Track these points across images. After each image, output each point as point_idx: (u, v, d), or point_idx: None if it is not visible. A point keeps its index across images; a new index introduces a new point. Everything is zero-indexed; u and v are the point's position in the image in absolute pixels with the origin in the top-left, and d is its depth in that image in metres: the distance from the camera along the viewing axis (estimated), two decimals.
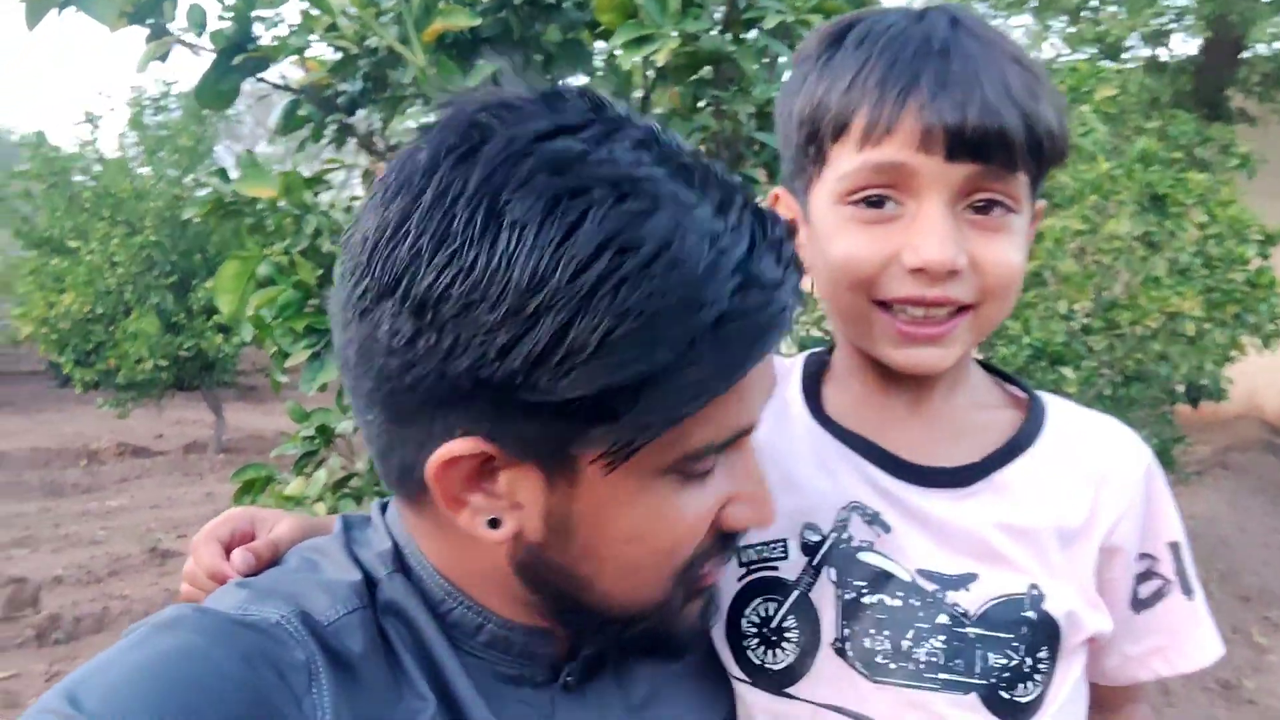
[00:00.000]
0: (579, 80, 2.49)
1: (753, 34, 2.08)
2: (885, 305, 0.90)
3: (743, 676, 0.97)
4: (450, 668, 0.83)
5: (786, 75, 0.98)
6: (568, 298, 0.68)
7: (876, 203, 0.89)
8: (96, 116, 10.79)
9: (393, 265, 0.72)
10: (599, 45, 2.28)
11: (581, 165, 0.71)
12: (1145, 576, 1.00)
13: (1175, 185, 5.21)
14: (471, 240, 0.69)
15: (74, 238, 10.18)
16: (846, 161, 0.89)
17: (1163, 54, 11.04)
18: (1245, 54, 10.45)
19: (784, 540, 0.96)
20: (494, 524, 0.78)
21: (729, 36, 2.05)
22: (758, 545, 0.97)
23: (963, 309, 0.90)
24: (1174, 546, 1.01)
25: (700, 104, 2.16)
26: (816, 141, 0.92)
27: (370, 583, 0.84)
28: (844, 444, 0.98)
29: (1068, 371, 4.28)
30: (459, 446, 0.74)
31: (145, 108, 11.16)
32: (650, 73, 2.24)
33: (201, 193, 2.76)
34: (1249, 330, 5.41)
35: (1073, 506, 0.95)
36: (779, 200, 1.01)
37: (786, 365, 1.06)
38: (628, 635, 0.86)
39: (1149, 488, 0.99)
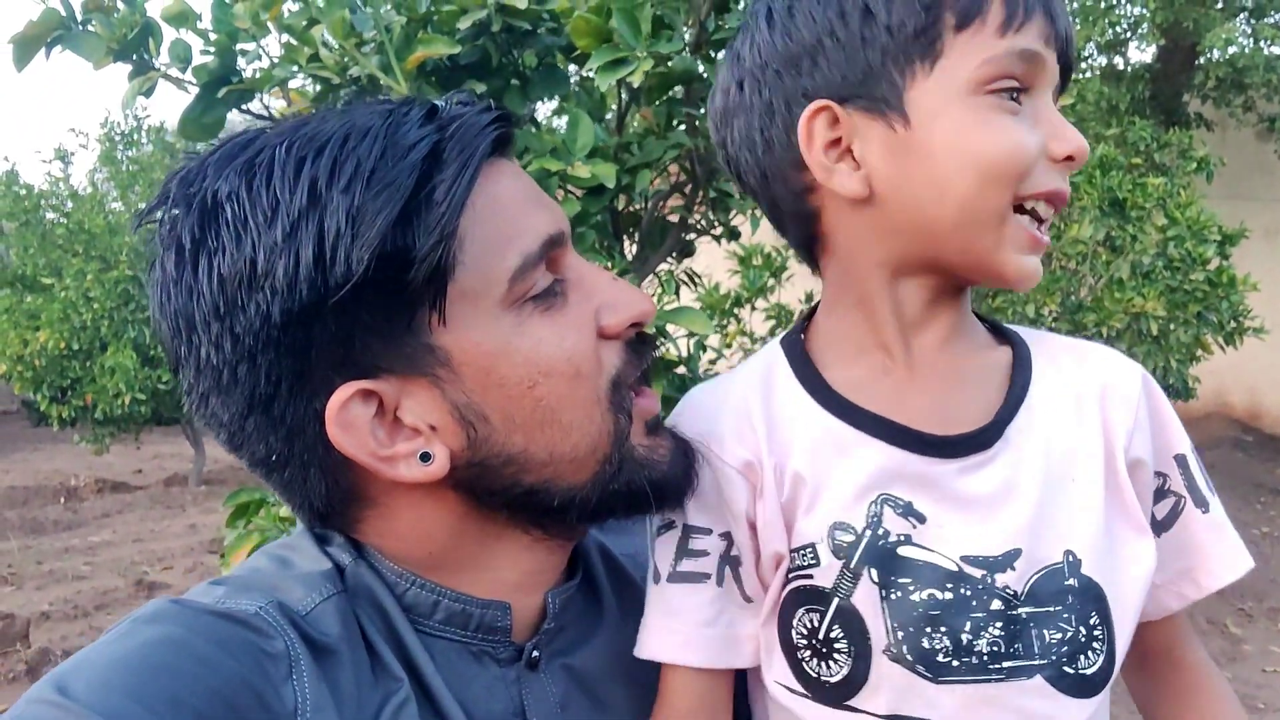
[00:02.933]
0: (555, 103, 2.56)
1: (722, 54, 2.15)
2: (1019, 211, 0.87)
3: (802, 690, 0.92)
4: (414, 648, 0.86)
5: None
6: (302, 208, 0.78)
7: (1015, 95, 0.86)
8: (68, 153, 10.79)
9: (178, 314, 0.83)
10: (574, 69, 2.35)
11: (253, 141, 0.84)
12: (1159, 495, 0.96)
13: (1134, 189, 5.34)
14: (209, 237, 0.81)
15: (47, 274, 10.16)
16: (987, 47, 0.85)
17: (1120, 63, 11.23)
18: (1200, 60, 10.65)
19: (813, 545, 0.91)
20: (427, 459, 0.84)
21: (699, 57, 2.12)
22: (792, 551, 0.92)
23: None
24: (1181, 460, 0.96)
25: (674, 122, 2.24)
26: (930, 33, 0.85)
27: (339, 570, 0.88)
28: (860, 429, 0.91)
29: None
30: (338, 396, 0.81)
31: (117, 143, 11.17)
32: (624, 94, 2.32)
33: None
34: (1212, 329, 5.53)
35: (1087, 432, 0.92)
36: (819, 115, 0.89)
37: (765, 362, 1.00)
38: (606, 495, 0.89)
39: (1150, 400, 0.95)
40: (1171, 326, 5.26)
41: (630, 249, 2.51)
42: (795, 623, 0.92)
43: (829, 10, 0.88)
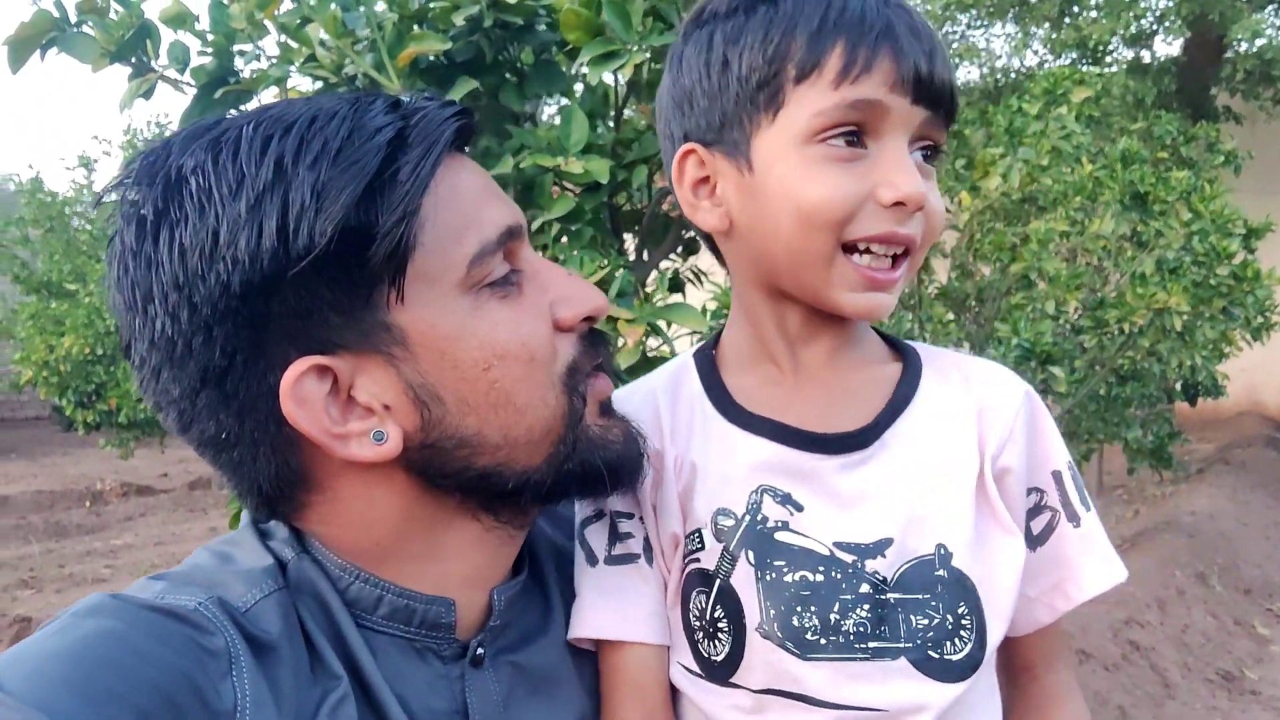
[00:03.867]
0: (555, 100, 2.53)
1: None
2: (847, 250, 0.91)
3: (697, 670, 0.98)
4: (355, 644, 0.86)
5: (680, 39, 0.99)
6: (268, 182, 0.78)
7: (852, 140, 0.90)
8: (91, 160, 10.88)
9: (135, 285, 0.82)
10: (577, 66, 2.33)
11: (219, 123, 0.85)
12: (1035, 511, 1.01)
13: (1157, 183, 5.24)
14: (173, 209, 0.81)
15: (72, 280, 10.24)
16: (820, 99, 0.89)
17: (1145, 56, 11.10)
18: (1228, 53, 10.51)
19: (699, 530, 0.98)
20: (380, 439, 0.84)
21: None
22: (686, 536, 0.99)
23: (902, 255, 0.92)
24: (1057, 475, 1.01)
25: None
26: (772, 85, 0.91)
27: (281, 566, 0.88)
28: (748, 430, 0.98)
29: (1057, 371, 4.29)
30: (294, 369, 0.81)
31: (139, 150, 11.26)
32: (622, 88, 2.28)
33: None
34: (1239, 324, 5.43)
35: (962, 444, 0.97)
36: (689, 156, 0.98)
37: (678, 365, 1.08)
38: (561, 475, 0.90)
39: (1030, 417, 1.00)
40: (1197, 322, 5.16)
41: (632, 247, 2.48)
42: (691, 604, 0.98)
43: (702, 60, 0.96)
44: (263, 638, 0.81)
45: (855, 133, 0.90)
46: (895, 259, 0.92)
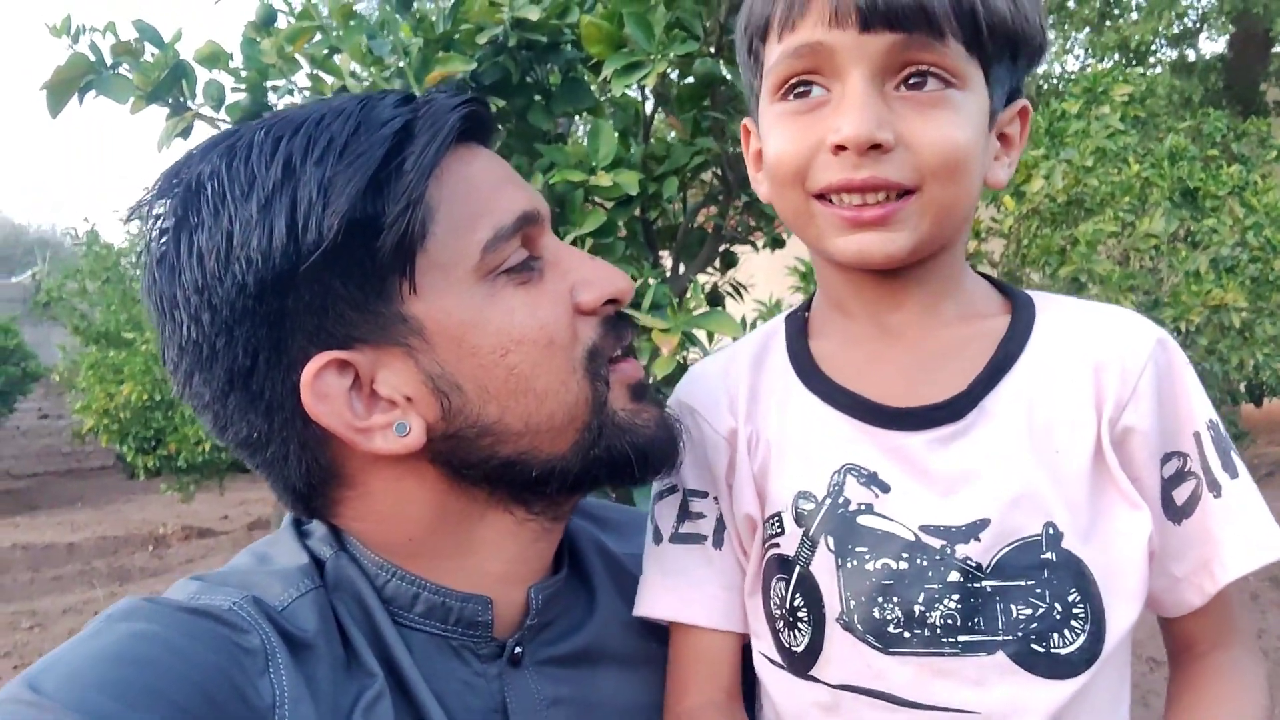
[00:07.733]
0: (585, 121, 2.53)
1: None
2: (825, 199, 0.85)
3: (779, 661, 0.93)
4: (392, 642, 0.86)
5: None
6: (277, 181, 0.79)
7: (804, 92, 0.85)
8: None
9: (161, 293, 0.84)
10: (604, 83, 2.33)
11: (237, 130, 0.86)
12: (1178, 480, 0.88)
13: (1207, 178, 5.15)
14: (191, 215, 0.83)
15: (129, 329, 10.44)
16: (771, 54, 0.87)
17: (1190, 55, 10.95)
18: (1275, 47, 10.33)
19: (779, 513, 0.92)
20: (403, 431, 0.84)
21: (721, 59, 2.08)
22: (765, 520, 0.93)
23: (906, 192, 0.83)
24: (1198, 436, 0.89)
25: (702, 126, 2.19)
26: (755, 49, 0.90)
27: (319, 564, 0.88)
28: (830, 403, 0.92)
29: None
30: (312, 365, 0.82)
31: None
32: (650, 101, 2.28)
33: None
34: None
35: (1076, 405, 0.87)
36: (748, 134, 0.98)
37: (769, 329, 1.02)
38: (588, 462, 0.89)
39: (1162, 370, 0.88)
40: (1256, 319, 5.04)
41: (669, 263, 2.46)
42: (771, 591, 0.93)
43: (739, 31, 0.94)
44: (299, 635, 0.81)
45: (806, 82, 0.85)
46: (897, 197, 0.83)
